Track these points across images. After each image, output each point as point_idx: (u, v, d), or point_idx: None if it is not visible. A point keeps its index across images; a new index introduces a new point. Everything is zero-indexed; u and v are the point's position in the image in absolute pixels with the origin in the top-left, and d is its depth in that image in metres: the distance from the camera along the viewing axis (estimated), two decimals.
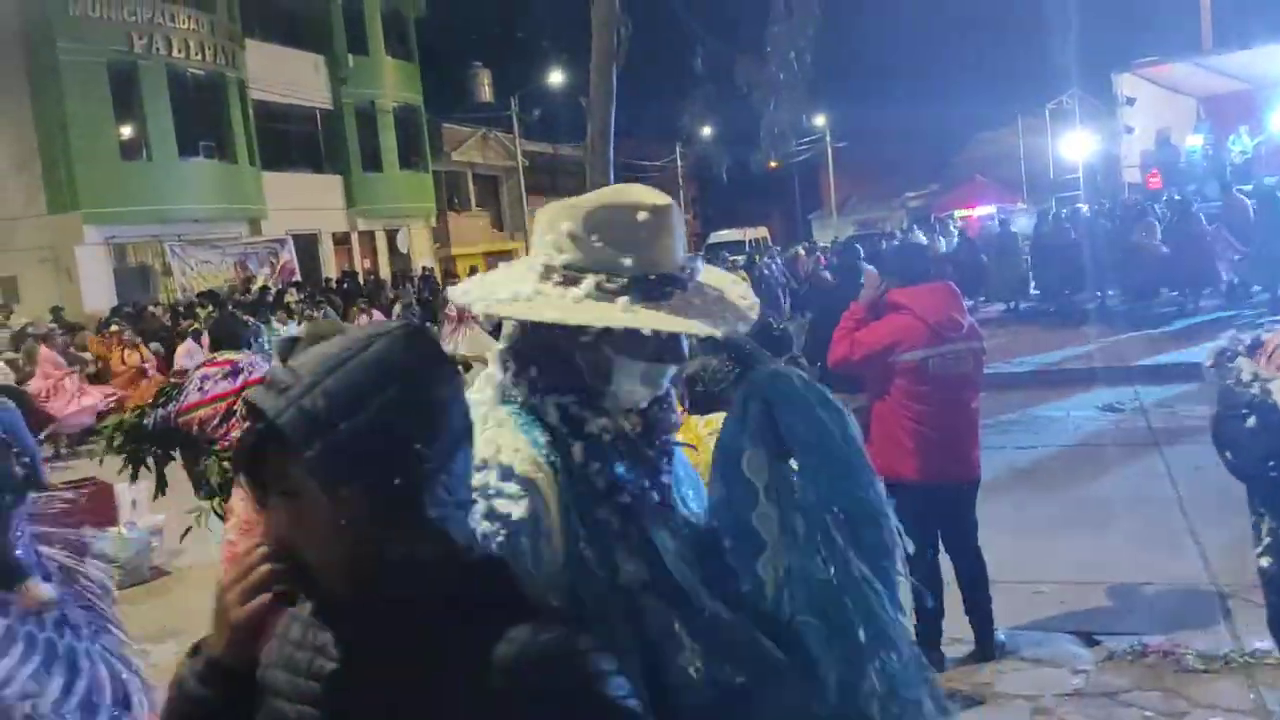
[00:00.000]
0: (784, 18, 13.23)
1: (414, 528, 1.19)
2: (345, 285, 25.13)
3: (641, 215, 1.53)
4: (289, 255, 27.05)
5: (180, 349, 14.56)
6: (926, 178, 45.71)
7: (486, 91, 40.50)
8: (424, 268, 30.54)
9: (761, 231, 39.68)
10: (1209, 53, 21.52)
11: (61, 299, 20.97)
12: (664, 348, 1.54)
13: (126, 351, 15.19)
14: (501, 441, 1.50)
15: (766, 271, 21.46)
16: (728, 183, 31.18)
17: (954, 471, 4.51)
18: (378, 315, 20.06)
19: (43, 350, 13.69)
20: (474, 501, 1.41)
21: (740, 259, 24.42)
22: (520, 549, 1.43)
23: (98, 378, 14.90)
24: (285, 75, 28.34)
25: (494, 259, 38.90)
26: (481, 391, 1.59)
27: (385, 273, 31.22)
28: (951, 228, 24.92)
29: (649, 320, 1.49)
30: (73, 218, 22.37)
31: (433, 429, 1.21)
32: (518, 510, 1.44)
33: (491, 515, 1.44)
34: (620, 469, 1.53)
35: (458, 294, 1.64)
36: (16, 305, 20.65)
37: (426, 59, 35.23)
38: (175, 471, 5.93)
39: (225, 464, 5.43)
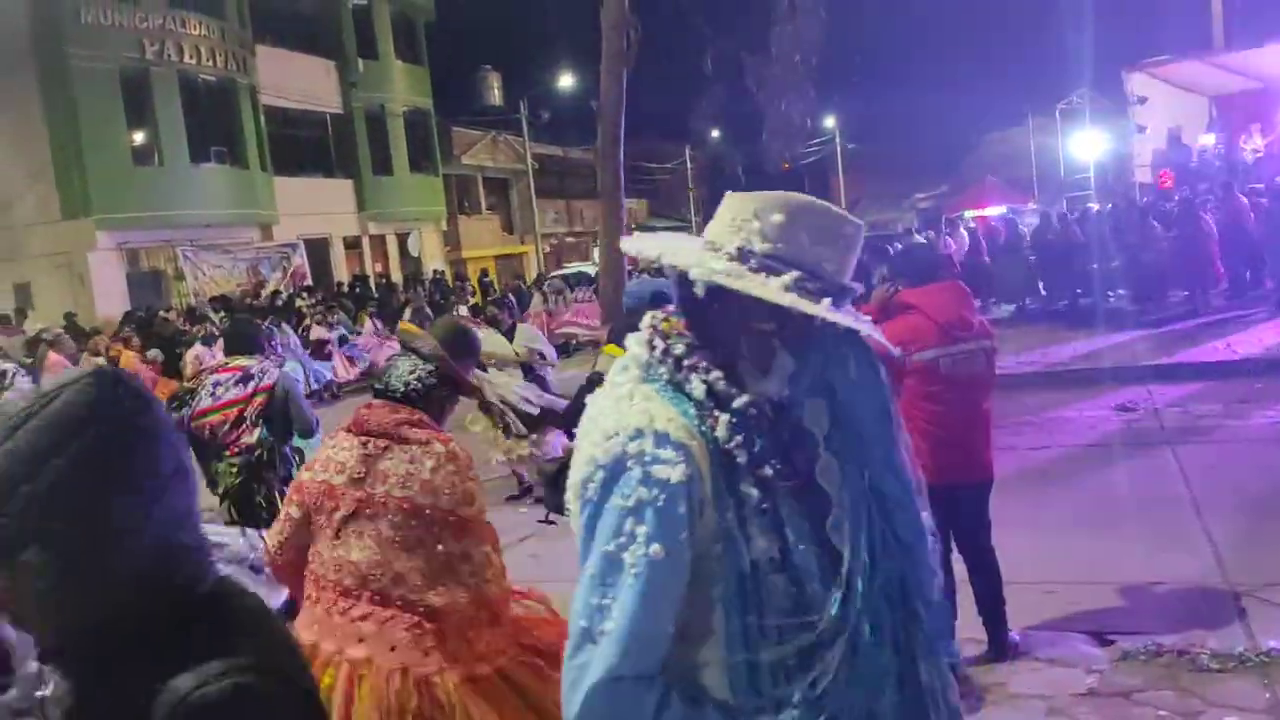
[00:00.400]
0: (788, 17, 13.24)
1: (112, 582, 1.15)
2: (357, 289, 25.22)
3: (848, 229, 1.62)
4: (301, 260, 27.17)
5: (189, 354, 14.61)
6: (937, 178, 45.61)
7: (496, 95, 40.58)
8: (435, 271, 30.64)
9: None
10: (1220, 51, 21.44)
11: (75, 304, 21.11)
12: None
13: (135, 355, 15.27)
14: (654, 411, 1.54)
15: None
16: (739, 184, 31.18)
17: (966, 472, 4.50)
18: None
19: (51, 356, 13.73)
20: (629, 468, 1.48)
21: None
22: (677, 513, 1.48)
23: None
24: (296, 80, 28.46)
25: (505, 261, 39.12)
26: (625, 371, 1.64)
27: (396, 276, 31.31)
28: (963, 230, 24.92)
29: (864, 326, 1.59)
30: (85, 224, 22.49)
31: (127, 478, 1.16)
32: (675, 474, 1.48)
33: (648, 481, 1.48)
34: (760, 443, 1.56)
35: (650, 253, 1.67)
36: (31, 311, 20.77)
37: (436, 62, 35.36)
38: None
39: (232, 469, 5.50)
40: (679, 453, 1.49)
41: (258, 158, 26.41)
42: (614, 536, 1.48)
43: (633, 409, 1.55)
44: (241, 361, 5.67)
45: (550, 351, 8.58)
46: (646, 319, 1.69)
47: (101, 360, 15.49)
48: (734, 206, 1.65)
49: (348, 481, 2.94)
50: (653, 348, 1.63)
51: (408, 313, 20.26)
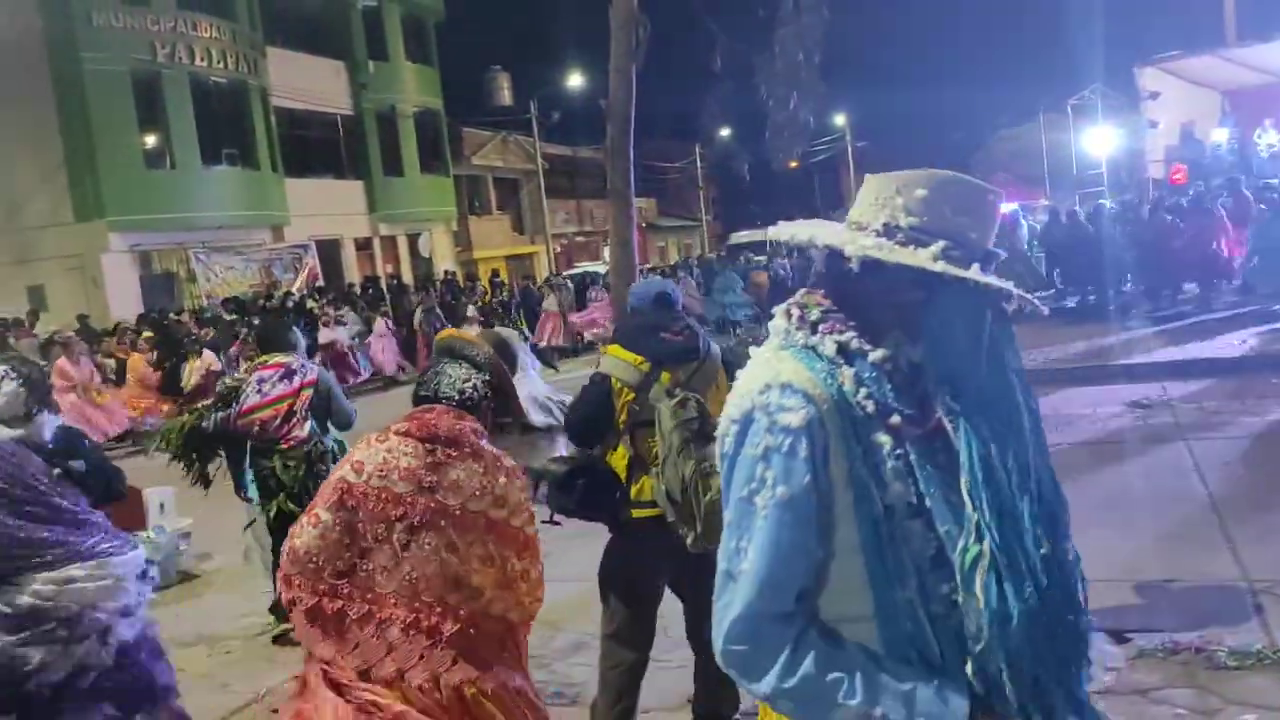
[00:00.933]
0: (793, 19, 13.19)
1: None
2: (369, 290, 25.25)
3: (989, 197, 1.68)
4: (312, 260, 27.23)
5: (199, 362, 14.59)
6: None
7: (506, 95, 40.62)
8: (446, 271, 30.67)
9: None
10: (1232, 45, 21.30)
11: (88, 307, 21.21)
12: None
13: (140, 358, 15.25)
14: (781, 367, 1.64)
15: (783, 272, 21.73)
16: (748, 183, 31.13)
17: None
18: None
19: (60, 361, 13.71)
20: (756, 419, 1.59)
21: (762, 259, 24.53)
22: (799, 456, 1.56)
23: (117, 384, 15.02)
24: (306, 82, 28.53)
25: (515, 261, 39.14)
26: (768, 342, 1.75)
27: (408, 277, 31.36)
28: None
29: (1012, 289, 1.62)
30: (98, 226, 22.61)
31: None
32: (795, 420, 1.57)
33: (773, 428, 1.58)
34: (889, 394, 1.61)
35: (801, 236, 1.71)
36: (44, 313, 20.87)
37: (446, 63, 35.42)
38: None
39: (290, 463, 5.56)
40: (799, 398, 1.58)
41: (269, 159, 26.50)
42: (747, 483, 1.60)
43: (765, 369, 1.65)
44: (281, 358, 5.75)
45: (527, 359, 8.44)
46: (795, 297, 1.78)
47: (112, 363, 15.54)
48: (875, 187, 1.71)
49: (416, 489, 2.74)
50: (790, 317, 1.72)
51: (419, 314, 20.29)
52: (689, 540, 3.42)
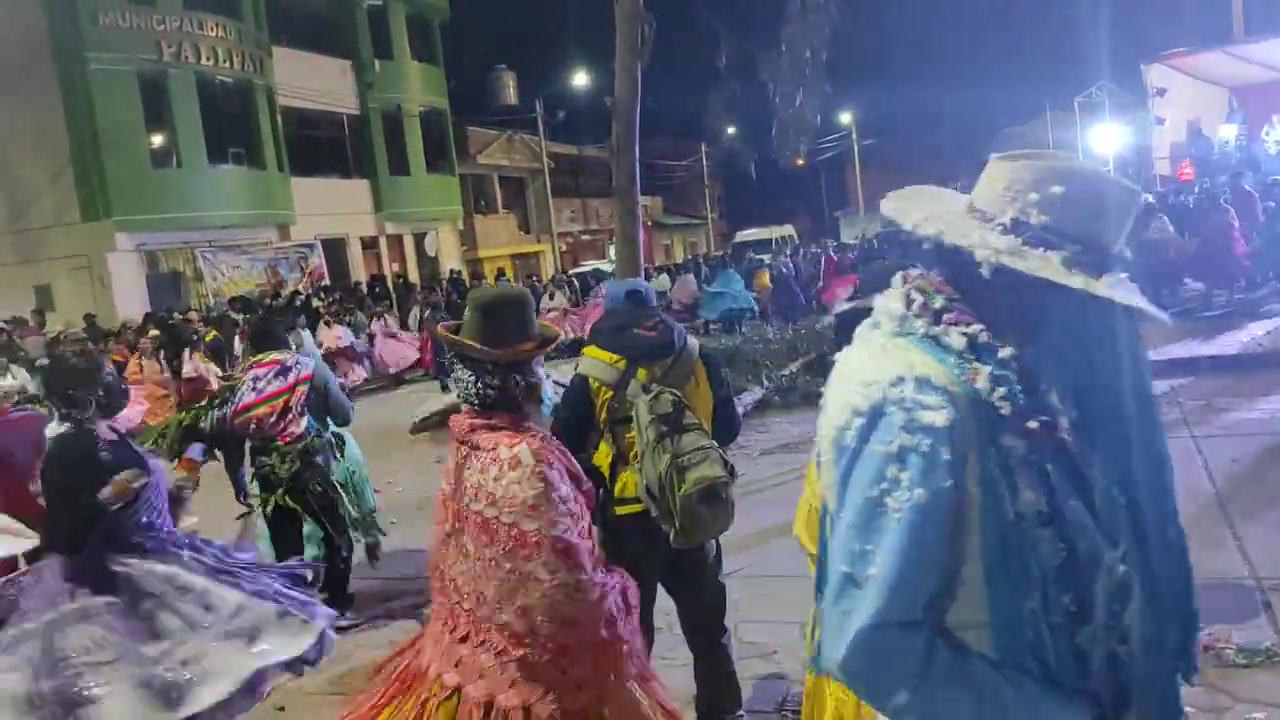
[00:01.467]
0: (799, 16, 13.17)
1: None
2: (376, 289, 25.27)
3: (1126, 197, 1.58)
4: (318, 260, 27.25)
5: (206, 365, 14.57)
6: (955, 173, 45.36)
7: (511, 94, 40.62)
8: (452, 270, 30.68)
9: (788, 230, 39.58)
10: (1240, 41, 21.23)
11: (95, 306, 21.25)
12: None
13: (145, 360, 15.21)
14: (914, 359, 1.53)
15: (785, 270, 21.72)
16: (754, 181, 31.07)
17: None
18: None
19: None
20: (889, 414, 1.48)
21: (766, 257, 24.53)
22: (941, 459, 1.46)
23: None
24: (312, 81, 28.54)
25: (521, 260, 39.14)
26: (877, 328, 1.64)
27: (414, 276, 31.37)
28: None
29: (1142, 302, 1.53)
30: (105, 225, 22.64)
31: None
32: (940, 419, 1.46)
33: (911, 426, 1.47)
34: (1023, 396, 1.52)
35: (929, 229, 1.59)
36: (51, 313, 20.90)
37: (451, 62, 35.43)
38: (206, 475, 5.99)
39: (286, 459, 5.58)
40: (942, 398, 1.48)
41: (275, 159, 26.52)
42: (876, 482, 1.48)
43: (891, 358, 1.54)
44: (275, 355, 5.76)
45: None
46: (898, 278, 1.68)
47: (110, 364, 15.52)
48: (1008, 173, 1.60)
49: (451, 493, 2.84)
50: (910, 302, 1.62)
51: (417, 310, 20.26)
52: (671, 536, 3.42)
